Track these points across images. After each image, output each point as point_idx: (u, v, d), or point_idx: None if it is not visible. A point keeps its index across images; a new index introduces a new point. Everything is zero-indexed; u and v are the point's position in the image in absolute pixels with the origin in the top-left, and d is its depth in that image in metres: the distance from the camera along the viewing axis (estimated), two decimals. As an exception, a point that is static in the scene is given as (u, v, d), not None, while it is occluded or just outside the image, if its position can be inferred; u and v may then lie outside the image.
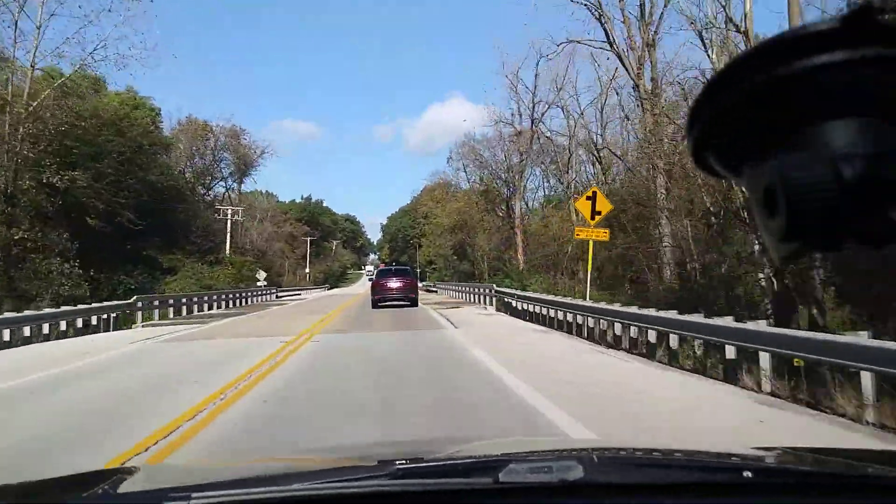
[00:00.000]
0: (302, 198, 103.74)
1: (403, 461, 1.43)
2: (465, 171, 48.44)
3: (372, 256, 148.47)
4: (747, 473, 1.20)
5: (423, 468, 1.36)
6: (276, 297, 37.59)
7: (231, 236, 46.69)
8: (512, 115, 37.58)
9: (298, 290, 50.39)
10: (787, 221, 0.39)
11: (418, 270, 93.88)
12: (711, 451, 1.68)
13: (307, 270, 74.41)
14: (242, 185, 48.40)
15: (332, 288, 72.75)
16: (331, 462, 1.77)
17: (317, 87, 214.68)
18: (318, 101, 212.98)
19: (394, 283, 22.36)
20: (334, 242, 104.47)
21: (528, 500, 1.14)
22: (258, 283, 36.99)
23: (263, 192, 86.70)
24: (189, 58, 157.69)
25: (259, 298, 33.58)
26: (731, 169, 0.46)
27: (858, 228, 0.39)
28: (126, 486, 1.33)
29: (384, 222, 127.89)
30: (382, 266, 47.47)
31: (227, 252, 37.57)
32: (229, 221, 38.34)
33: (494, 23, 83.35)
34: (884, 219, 0.38)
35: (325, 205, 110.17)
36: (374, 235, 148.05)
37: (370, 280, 53.47)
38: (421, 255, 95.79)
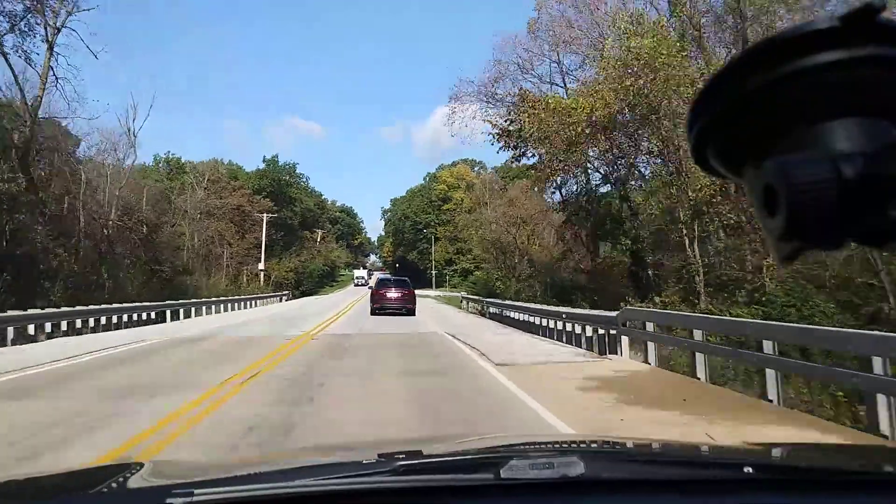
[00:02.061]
0: (264, 160, 68.32)
1: (406, 457, 1.37)
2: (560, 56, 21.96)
3: (372, 258, 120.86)
4: (748, 469, 1.19)
5: (425, 464, 1.35)
6: None
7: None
8: None
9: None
10: (787, 220, 0.38)
11: (434, 272, 66.74)
12: (712, 446, 1.70)
13: (261, 267, 47.39)
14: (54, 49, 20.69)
15: (291, 299, 43.43)
16: (334, 458, 1.75)
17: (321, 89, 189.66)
18: (322, 102, 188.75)
19: (393, 294, 23.11)
20: (319, 232, 76.64)
21: (529, 495, 1.12)
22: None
23: (225, 161, 60.15)
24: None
25: None
26: (731, 168, 0.45)
27: (859, 227, 0.39)
28: (130, 483, 1.31)
29: (386, 207, 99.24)
30: (382, 273, 47.34)
31: None
32: None
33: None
34: (884, 217, 0.38)
35: (299, 171, 73.62)
36: (374, 235, 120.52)
37: (358, 286, 56.95)
38: (438, 251, 67.86)
